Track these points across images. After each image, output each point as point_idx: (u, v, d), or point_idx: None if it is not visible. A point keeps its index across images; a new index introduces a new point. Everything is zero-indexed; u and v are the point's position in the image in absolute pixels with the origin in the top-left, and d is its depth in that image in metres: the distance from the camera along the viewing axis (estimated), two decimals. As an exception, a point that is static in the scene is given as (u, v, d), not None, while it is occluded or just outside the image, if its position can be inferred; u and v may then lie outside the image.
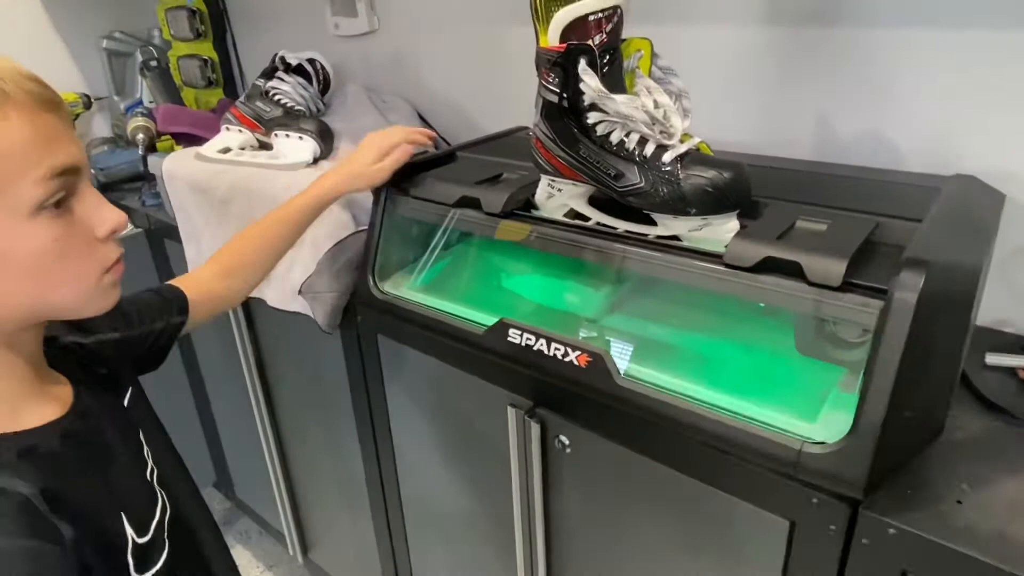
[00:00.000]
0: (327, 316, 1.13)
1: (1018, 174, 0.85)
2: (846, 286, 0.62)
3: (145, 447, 0.68)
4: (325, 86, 1.42)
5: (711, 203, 0.71)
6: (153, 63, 1.83)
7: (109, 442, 0.63)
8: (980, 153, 0.88)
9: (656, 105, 0.75)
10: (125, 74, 1.98)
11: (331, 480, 1.47)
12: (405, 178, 1.01)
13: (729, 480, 0.72)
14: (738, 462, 0.69)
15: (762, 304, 0.65)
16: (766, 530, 0.70)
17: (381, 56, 1.56)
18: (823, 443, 0.63)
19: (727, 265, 0.69)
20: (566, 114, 0.77)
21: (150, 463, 0.67)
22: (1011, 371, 0.80)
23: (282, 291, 1.19)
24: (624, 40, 0.78)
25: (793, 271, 0.66)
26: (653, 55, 0.79)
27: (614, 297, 0.86)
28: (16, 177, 0.51)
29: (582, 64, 0.72)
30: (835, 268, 0.63)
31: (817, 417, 0.66)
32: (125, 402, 0.69)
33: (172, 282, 0.86)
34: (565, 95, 0.75)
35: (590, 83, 0.72)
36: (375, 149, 0.98)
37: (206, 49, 1.82)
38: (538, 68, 0.77)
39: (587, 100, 0.74)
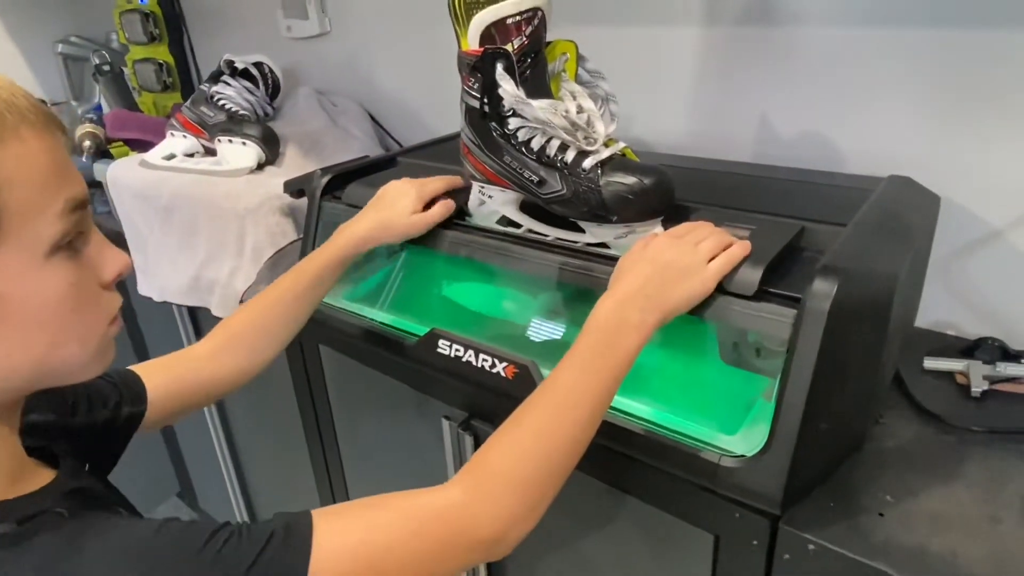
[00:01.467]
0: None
1: (955, 175, 0.84)
2: (761, 295, 0.61)
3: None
4: (274, 90, 1.40)
5: (632, 210, 0.69)
6: (106, 67, 1.79)
7: (107, 497, 0.58)
8: (918, 154, 0.86)
9: (580, 110, 0.73)
10: (83, 79, 1.94)
11: (284, 490, 1.44)
12: (340, 184, 0.99)
13: (656, 494, 0.70)
14: (664, 476, 0.67)
15: (687, 313, 0.63)
16: (692, 544, 0.68)
17: (334, 58, 1.53)
18: (742, 456, 0.61)
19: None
20: (488, 120, 0.75)
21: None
22: (949, 375, 0.79)
23: (225, 299, 1.17)
24: (549, 43, 0.76)
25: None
26: (580, 58, 0.77)
27: (545, 306, 0.84)
28: (35, 212, 0.44)
29: (499, 69, 0.70)
30: (750, 277, 0.61)
31: (738, 429, 0.64)
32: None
33: (142, 364, 0.73)
34: (486, 100, 0.73)
35: (507, 88, 0.70)
36: (413, 197, 0.84)
37: (162, 53, 1.78)
38: (460, 72, 0.75)
39: (506, 105, 0.72)
